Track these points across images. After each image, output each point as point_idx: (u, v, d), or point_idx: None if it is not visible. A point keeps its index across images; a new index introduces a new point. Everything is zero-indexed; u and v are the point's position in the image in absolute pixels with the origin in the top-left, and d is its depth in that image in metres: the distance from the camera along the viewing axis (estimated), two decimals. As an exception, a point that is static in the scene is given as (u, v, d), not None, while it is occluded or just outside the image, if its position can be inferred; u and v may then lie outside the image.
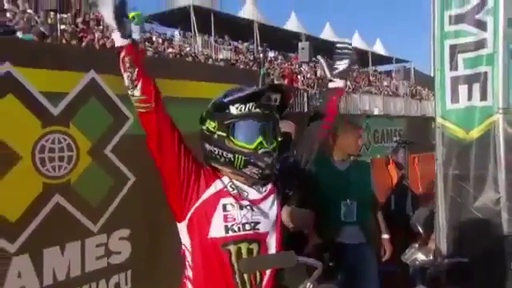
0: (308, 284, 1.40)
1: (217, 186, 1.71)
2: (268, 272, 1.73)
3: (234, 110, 1.68)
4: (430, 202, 4.60)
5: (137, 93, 1.59)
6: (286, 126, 3.21)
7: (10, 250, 2.23)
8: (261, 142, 1.68)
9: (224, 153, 1.68)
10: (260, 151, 1.67)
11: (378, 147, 14.65)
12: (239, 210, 1.68)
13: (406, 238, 3.45)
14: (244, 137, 1.69)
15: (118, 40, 1.55)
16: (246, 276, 1.66)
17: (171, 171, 1.66)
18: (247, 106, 1.68)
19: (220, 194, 1.69)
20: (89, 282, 2.53)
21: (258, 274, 1.70)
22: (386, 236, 3.67)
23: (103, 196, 2.60)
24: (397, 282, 3.52)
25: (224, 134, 1.68)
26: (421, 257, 1.65)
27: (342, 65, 2.35)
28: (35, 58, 2.35)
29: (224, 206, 1.67)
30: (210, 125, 1.72)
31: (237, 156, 1.67)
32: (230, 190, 1.72)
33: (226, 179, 1.74)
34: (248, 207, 1.72)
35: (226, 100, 1.70)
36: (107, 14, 1.51)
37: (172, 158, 1.64)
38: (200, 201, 1.68)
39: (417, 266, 1.68)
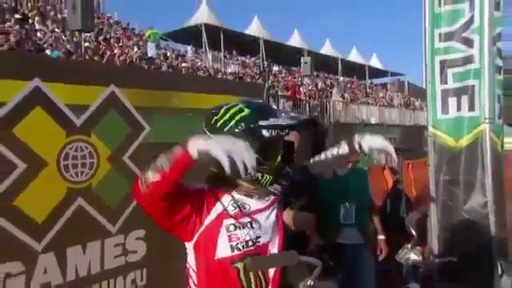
0: (309, 281, 1.40)
1: (217, 209, 1.66)
2: (272, 276, 1.70)
3: (266, 133, 1.63)
4: (422, 205, 4.60)
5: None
6: (290, 136, 3.23)
7: (37, 248, 2.24)
8: (280, 160, 1.67)
9: (253, 172, 1.60)
10: (284, 171, 1.69)
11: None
12: (241, 230, 1.65)
13: (400, 239, 3.46)
14: (269, 156, 1.65)
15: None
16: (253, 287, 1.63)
17: (176, 224, 1.61)
18: (278, 131, 1.64)
19: (222, 217, 1.64)
20: (107, 279, 2.53)
21: (264, 284, 1.67)
22: (381, 237, 3.67)
23: (121, 199, 2.59)
24: (392, 280, 3.52)
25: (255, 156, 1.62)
26: (413, 256, 1.66)
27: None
28: (61, 74, 2.37)
29: (227, 228, 1.64)
30: None
31: (265, 176, 1.64)
32: (231, 210, 1.67)
33: (226, 199, 1.68)
34: (249, 224, 1.68)
35: (262, 124, 1.62)
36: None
37: (180, 217, 1.59)
38: (203, 227, 1.63)
39: (409, 264, 1.69)
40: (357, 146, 1.91)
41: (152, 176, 1.42)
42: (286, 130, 1.67)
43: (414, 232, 1.76)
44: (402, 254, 1.72)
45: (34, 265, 2.23)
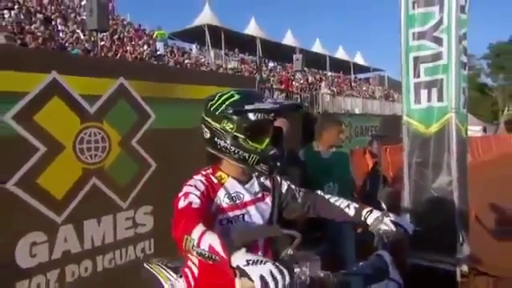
0: (289, 251, 1.39)
1: (214, 206, 1.60)
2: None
3: (252, 116, 1.58)
4: (397, 184, 4.65)
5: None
6: (279, 121, 3.24)
7: (58, 221, 2.27)
8: (268, 143, 1.62)
9: (240, 152, 1.59)
10: (270, 152, 1.61)
11: (358, 140, 14.69)
12: (233, 224, 1.61)
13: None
14: (257, 139, 1.60)
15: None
16: None
17: None
18: (264, 115, 1.59)
19: (217, 212, 1.60)
20: (120, 248, 2.56)
21: None
22: None
23: (131, 179, 2.62)
24: (369, 249, 3.57)
25: (241, 136, 1.59)
26: (383, 226, 1.67)
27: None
28: (75, 68, 2.38)
29: (220, 222, 1.59)
30: (228, 125, 1.60)
31: (251, 155, 1.59)
32: (225, 204, 1.62)
33: (221, 193, 1.64)
34: (241, 217, 1.64)
35: (249, 107, 1.57)
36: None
37: None
38: None
39: (380, 234, 1.71)
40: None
41: (193, 252, 1.29)
42: (272, 114, 1.62)
43: (384, 205, 1.77)
44: (373, 225, 1.73)
45: (55, 235, 2.25)
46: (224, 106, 1.61)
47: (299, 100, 17.65)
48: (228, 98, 1.63)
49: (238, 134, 1.59)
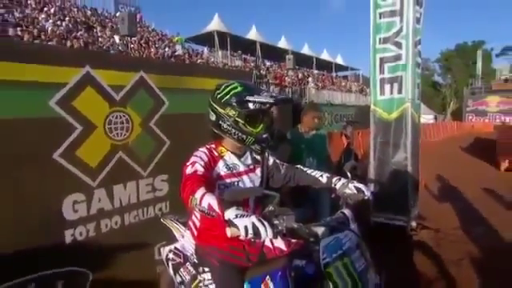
0: (270, 207, 1.41)
1: (215, 173, 1.61)
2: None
3: (251, 106, 1.57)
4: (365, 159, 4.68)
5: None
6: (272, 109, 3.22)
7: (93, 185, 2.28)
8: (262, 127, 1.61)
9: (239, 133, 1.59)
10: (264, 136, 1.61)
11: (337, 125, 14.69)
12: (229, 188, 1.61)
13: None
14: (253, 124, 1.59)
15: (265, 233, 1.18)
16: None
17: None
18: (261, 105, 1.58)
19: (217, 178, 1.60)
20: (142, 207, 2.58)
21: None
22: None
23: (149, 153, 2.61)
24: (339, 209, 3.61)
25: (241, 121, 1.58)
26: (347, 190, 1.69)
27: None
28: (104, 63, 2.36)
29: (219, 186, 1.60)
30: (231, 112, 1.58)
31: (248, 137, 1.59)
32: (223, 172, 1.62)
33: (221, 164, 1.63)
34: (236, 183, 1.64)
35: (250, 99, 1.56)
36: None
37: None
38: None
39: (344, 196, 1.73)
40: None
41: (196, 209, 1.31)
42: (267, 105, 1.60)
43: (348, 174, 1.79)
44: (340, 189, 1.75)
45: (91, 196, 2.27)
46: (229, 95, 1.60)
47: (291, 92, 17.53)
48: (232, 88, 1.61)
49: (239, 119, 1.59)
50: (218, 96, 1.62)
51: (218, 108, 1.62)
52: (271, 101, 1.57)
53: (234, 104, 1.57)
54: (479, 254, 3.52)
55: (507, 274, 3.06)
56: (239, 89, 1.59)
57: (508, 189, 6.27)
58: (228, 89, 1.61)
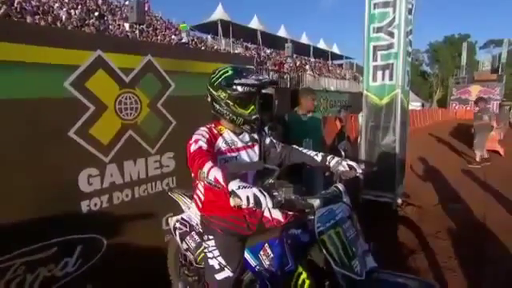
0: (270, 180, 1.42)
1: (216, 148, 1.60)
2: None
3: (240, 88, 1.55)
4: (357, 141, 4.69)
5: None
6: (269, 89, 3.20)
7: (105, 160, 2.28)
8: (252, 109, 1.61)
9: (230, 114, 1.59)
10: (253, 116, 1.60)
11: (332, 110, 14.59)
12: (229, 162, 1.61)
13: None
14: (243, 105, 1.59)
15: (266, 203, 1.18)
16: None
17: None
18: (249, 88, 1.56)
19: (217, 153, 1.60)
20: (150, 182, 2.58)
21: None
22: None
23: (157, 132, 2.59)
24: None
25: (231, 103, 1.58)
26: (341, 168, 1.69)
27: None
28: (115, 47, 2.31)
29: (219, 161, 1.58)
30: (222, 94, 1.59)
31: (238, 118, 1.60)
32: (223, 148, 1.61)
33: (220, 140, 1.62)
34: (234, 159, 1.62)
35: (237, 82, 1.55)
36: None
37: None
38: None
39: (338, 173, 1.73)
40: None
41: (204, 181, 1.30)
42: (255, 88, 1.57)
43: (342, 153, 1.79)
44: (334, 166, 1.75)
45: (104, 170, 2.28)
46: (220, 79, 1.59)
47: (289, 78, 17.35)
48: (224, 73, 1.60)
49: (229, 101, 1.58)
50: (212, 80, 1.62)
51: (212, 91, 1.62)
52: (256, 83, 1.56)
53: (224, 87, 1.57)
54: (454, 227, 3.63)
55: (477, 244, 3.21)
56: (230, 73, 1.58)
57: (482, 171, 6.38)
58: (220, 73, 1.60)
